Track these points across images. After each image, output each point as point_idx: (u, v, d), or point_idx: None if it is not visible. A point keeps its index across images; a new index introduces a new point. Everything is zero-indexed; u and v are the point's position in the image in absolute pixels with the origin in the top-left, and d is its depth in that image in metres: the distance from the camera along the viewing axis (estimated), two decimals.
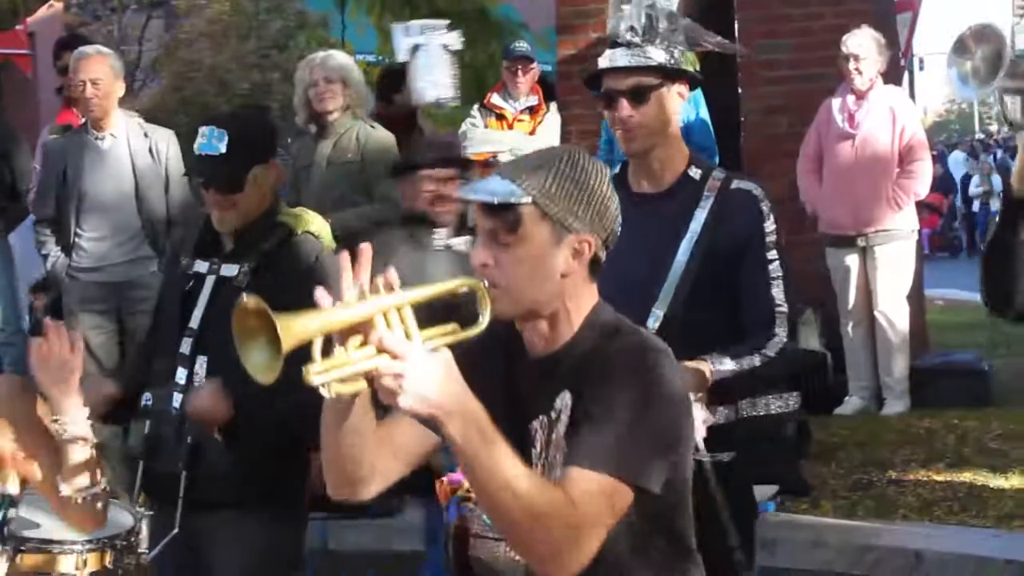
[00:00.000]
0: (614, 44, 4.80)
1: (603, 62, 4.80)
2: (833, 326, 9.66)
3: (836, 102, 9.36)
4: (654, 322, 4.56)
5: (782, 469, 7.60)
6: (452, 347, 2.95)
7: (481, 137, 10.03)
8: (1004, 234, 3.85)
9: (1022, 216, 3.80)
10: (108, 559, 4.92)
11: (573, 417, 3.12)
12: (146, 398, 5.15)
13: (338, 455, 3.18)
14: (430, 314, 3.00)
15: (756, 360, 4.59)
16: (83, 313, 8.35)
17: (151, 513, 5.08)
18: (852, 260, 9.51)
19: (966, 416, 8.67)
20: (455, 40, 9.46)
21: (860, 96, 9.21)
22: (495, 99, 10.70)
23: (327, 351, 2.83)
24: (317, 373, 2.80)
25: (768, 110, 9.96)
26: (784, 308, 4.66)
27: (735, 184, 4.74)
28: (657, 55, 4.73)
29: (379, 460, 3.24)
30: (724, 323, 4.67)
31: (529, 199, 3.14)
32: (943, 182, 19.50)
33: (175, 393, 5.03)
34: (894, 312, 9.38)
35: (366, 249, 2.90)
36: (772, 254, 4.69)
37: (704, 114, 9.27)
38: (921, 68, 24.53)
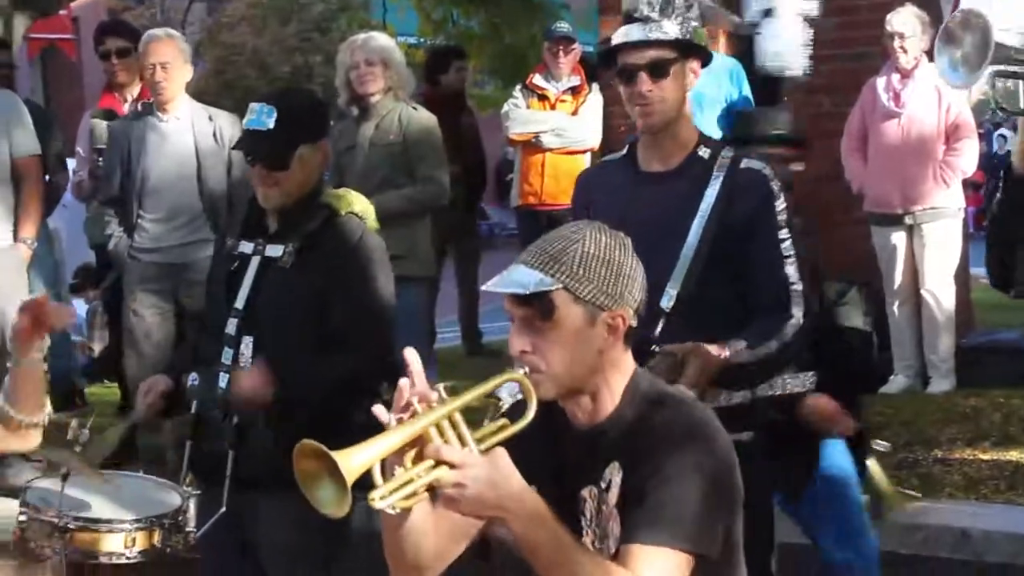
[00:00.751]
0: (629, 20, 4.80)
1: (618, 37, 4.79)
2: (879, 305, 9.63)
3: (881, 81, 9.33)
4: (667, 301, 4.58)
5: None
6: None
7: (524, 118, 10.05)
8: (1003, 211, 3.87)
9: (1019, 193, 3.82)
10: (156, 538, 4.98)
11: (624, 489, 3.16)
12: (192, 378, 5.17)
13: (400, 552, 3.21)
14: None
15: (773, 346, 4.60)
16: (141, 293, 8.44)
17: (198, 492, 5.12)
18: (899, 238, 9.48)
19: (1012, 395, 8.62)
20: (813, 7, 9.30)
21: (905, 75, 9.17)
22: (537, 80, 10.71)
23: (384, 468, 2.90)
24: (382, 497, 2.87)
25: (811, 89, 9.93)
26: (799, 286, 4.66)
27: (744, 163, 4.74)
28: (672, 30, 4.71)
29: (439, 545, 3.26)
30: (737, 302, 4.67)
31: (560, 285, 3.19)
32: (988, 160, 19.38)
33: (221, 373, 5.07)
34: (940, 290, 9.34)
35: (413, 360, 2.98)
36: (784, 233, 4.69)
37: (747, 92, 9.26)
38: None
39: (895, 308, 9.63)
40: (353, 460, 2.82)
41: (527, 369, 3.17)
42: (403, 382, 2.89)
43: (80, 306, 11.58)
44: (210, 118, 8.45)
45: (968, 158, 9.31)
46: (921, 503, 7.26)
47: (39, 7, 14.15)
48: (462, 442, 2.92)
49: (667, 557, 3.04)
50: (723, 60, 9.50)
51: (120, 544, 4.99)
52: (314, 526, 5.09)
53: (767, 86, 9.36)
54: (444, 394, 2.92)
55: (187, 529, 5.09)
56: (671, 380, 4.19)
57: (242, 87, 12.46)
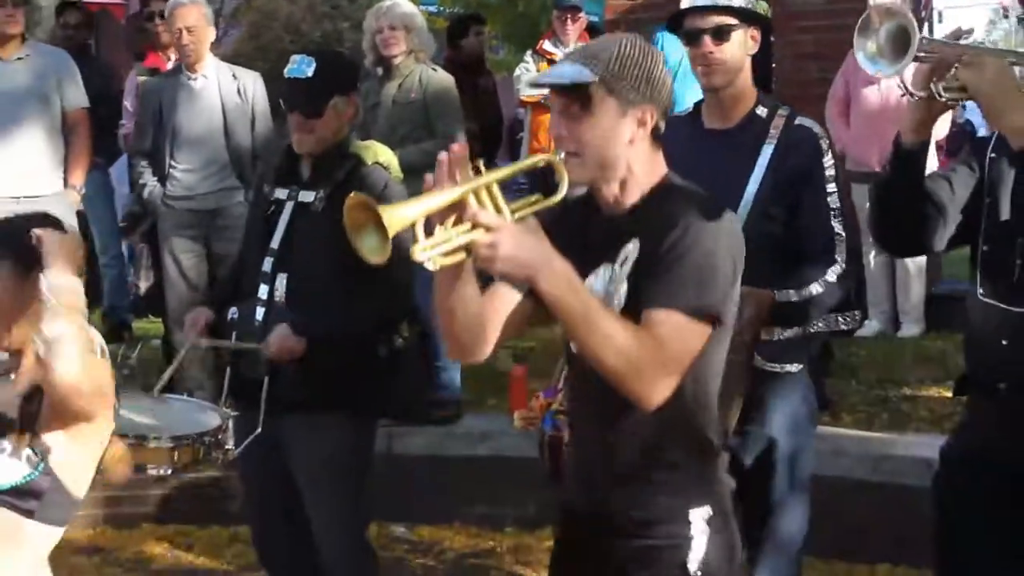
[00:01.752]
0: None
1: (686, 2, 4.81)
2: (856, 257, 9.66)
3: (860, 55, 9.34)
4: None
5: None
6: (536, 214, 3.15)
7: (534, 80, 10.06)
8: (895, 178, 3.91)
9: (909, 166, 3.87)
10: (200, 452, 5.07)
11: (639, 259, 3.26)
12: (232, 312, 5.26)
13: (452, 324, 3.30)
14: None
15: (817, 288, 4.60)
16: (175, 238, 8.49)
17: (236, 414, 5.21)
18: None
19: None
20: None
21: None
22: (546, 45, 10.73)
23: (429, 232, 2.97)
24: (422, 250, 2.96)
25: (799, 57, 9.97)
26: (843, 236, 4.66)
27: (798, 121, 4.76)
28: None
29: (489, 328, 3.37)
30: (788, 248, 4.68)
31: (596, 78, 3.28)
32: (960, 128, 19.28)
33: (258, 308, 5.16)
34: None
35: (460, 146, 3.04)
36: (831, 187, 4.70)
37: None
38: (940, 20, 24.19)
39: (871, 259, 9.64)
40: (396, 214, 2.91)
41: (563, 153, 3.28)
42: (443, 155, 2.96)
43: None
44: (234, 76, 8.52)
45: (940, 124, 9.33)
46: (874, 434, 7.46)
47: None
48: (497, 209, 3.01)
49: (683, 320, 3.15)
50: None
51: (167, 458, 5.09)
52: (341, 445, 5.22)
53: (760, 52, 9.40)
54: (483, 168, 3.04)
55: (227, 447, 5.19)
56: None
57: (276, 50, 12.38)
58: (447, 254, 3.00)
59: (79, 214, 9.07)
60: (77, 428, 3.30)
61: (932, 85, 3.72)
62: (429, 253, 2.97)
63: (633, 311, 3.17)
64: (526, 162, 3.43)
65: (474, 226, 2.97)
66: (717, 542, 3.37)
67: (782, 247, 4.66)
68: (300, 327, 5.03)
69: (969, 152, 4.01)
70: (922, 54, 3.72)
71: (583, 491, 3.52)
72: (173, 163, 8.45)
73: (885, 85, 9.19)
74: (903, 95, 3.97)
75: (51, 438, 3.29)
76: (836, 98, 9.58)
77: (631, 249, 3.31)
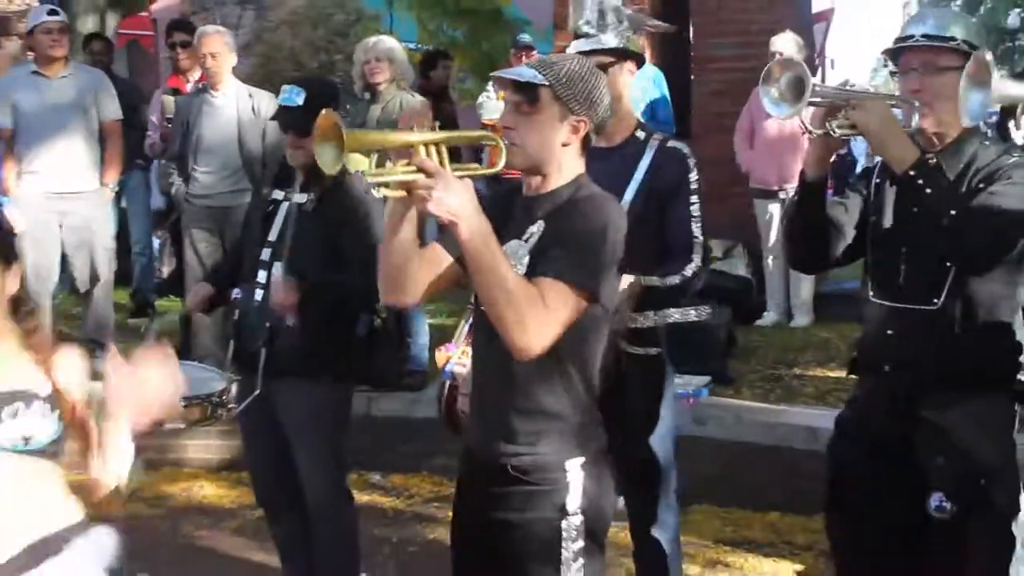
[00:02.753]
0: (576, 36, 4.89)
1: (570, 49, 4.80)
2: (757, 259, 9.70)
3: (763, 89, 9.37)
4: None
5: (714, 364, 7.70)
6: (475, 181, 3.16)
7: (493, 107, 10.03)
8: (802, 207, 3.94)
9: (813, 195, 3.88)
10: (208, 410, 5.05)
11: (541, 240, 3.28)
12: (235, 292, 5.26)
13: (390, 266, 3.37)
14: None
15: (676, 279, 4.62)
16: (195, 229, 8.47)
17: (238, 379, 5.20)
18: (774, 208, 9.49)
19: (854, 329, 8.57)
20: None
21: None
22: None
23: (381, 165, 3.09)
24: (371, 175, 3.04)
25: (714, 94, 9.98)
26: (700, 240, 4.68)
27: (670, 144, 4.76)
28: (611, 40, 4.77)
29: (418, 276, 3.41)
30: (655, 247, 4.68)
31: (548, 83, 3.31)
32: (841, 157, 19.32)
33: (257, 289, 5.13)
34: None
35: (424, 110, 3.19)
36: (694, 198, 4.70)
37: (665, 94, 9.29)
38: (832, 67, 24.34)
39: (769, 261, 9.66)
40: (356, 136, 3.03)
41: (507, 141, 3.33)
42: (408, 111, 3.07)
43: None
44: (250, 95, 8.45)
45: None
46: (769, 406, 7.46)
47: (126, 8, 14.07)
48: (441, 163, 3.04)
49: (566, 290, 3.16)
50: (648, 67, 9.56)
51: (179, 415, 5.06)
52: (325, 406, 5.21)
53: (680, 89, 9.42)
54: (438, 129, 3.11)
55: (229, 406, 5.17)
56: None
57: (281, 78, 12.32)
58: (390, 186, 3.06)
59: (119, 208, 9.08)
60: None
61: (827, 124, 3.71)
62: (375, 179, 3.04)
63: (529, 280, 3.17)
64: (474, 134, 3.56)
65: (419, 170, 3.01)
66: (591, 487, 3.36)
67: (652, 245, 4.65)
68: (298, 286, 5.01)
69: (858, 180, 4.03)
70: (817, 99, 3.72)
71: (479, 439, 3.50)
72: (195, 167, 8.40)
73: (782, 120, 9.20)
74: (803, 133, 4.01)
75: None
76: (742, 129, 9.57)
77: (535, 230, 3.34)
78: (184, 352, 7.67)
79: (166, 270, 11.08)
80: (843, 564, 4.08)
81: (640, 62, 4.98)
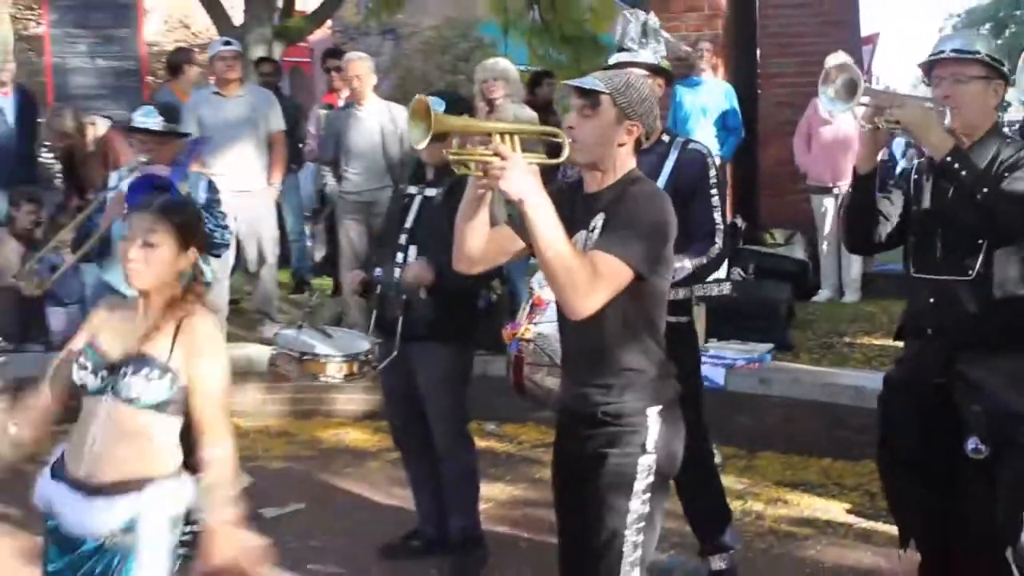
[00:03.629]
0: (619, 49, 4.87)
1: (612, 60, 4.85)
2: (813, 245, 9.62)
3: (822, 99, 9.28)
4: None
5: (776, 334, 7.66)
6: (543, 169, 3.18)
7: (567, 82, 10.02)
8: (855, 199, 3.94)
9: (865, 185, 3.87)
10: (355, 367, 5.12)
11: (603, 229, 3.27)
12: (377, 272, 5.31)
13: (463, 241, 3.42)
14: None
15: (703, 260, 4.62)
16: (347, 220, 8.61)
17: (379, 342, 5.25)
18: (828, 202, 9.41)
19: (896, 304, 8.46)
20: None
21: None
22: None
23: (462, 147, 3.14)
24: (453, 153, 3.09)
25: (777, 105, 9.90)
26: (721, 226, 4.68)
27: (691, 145, 4.75)
28: (647, 57, 4.78)
29: (487, 251, 3.45)
30: (682, 233, 4.67)
31: (608, 91, 3.32)
32: (883, 162, 19.03)
33: (396, 268, 5.18)
34: None
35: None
36: (714, 191, 4.68)
37: (735, 105, 9.24)
38: (878, 82, 23.88)
39: (823, 247, 9.57)
40: (444, 120, 3.05)
41: (571, 140, 3.32)
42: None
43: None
44: (389, 109, 8.55)
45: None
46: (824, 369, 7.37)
47: (289, 39, 14.21)
48: (513, 149, 3.05)
49: (614, 262, 3.16)
50: (721, 83, 9.52)
51: (336, 370, 5.15)
52: (451, 365, 5.25)
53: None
54: (512, 121, 3.18)
55: (373, 364, 5.24)
56: None
57: (414, 95, 12.45)
58: (468, 165, 3.11)
59: (277, 206, 9.21)
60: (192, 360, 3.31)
61: (876, 119, 3.72)
62: (457, 157, 3.09)
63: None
64: (542, 128, 3.53)
65: (494, 154, 3.03)
66: (666, 431, 3.38)
67: (679, 231, 4.64)
68: (430, 265, 5.05)
69: (899, 178, 4.01)
70: (865, 98, 3.76)
71: (572, 393, 3.52)
72: (346, 168, 8.54)
73: (835, 124, 9.11)
74: (859, 127, 4.03)
75: (177, 366, 3.29)
76: (801, 133, 9.50)
77: (598, 221, 3.34)
78: (336, 321, 7.81)
79: (318, 254, 11.20)
80: (893, 498, 4.07)
81: (669, 80, 4.97)
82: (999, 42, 5.46)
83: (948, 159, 3.56)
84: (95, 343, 3.38)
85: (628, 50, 4.83)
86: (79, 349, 3.41)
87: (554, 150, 3.40)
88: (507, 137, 3.08)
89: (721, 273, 5.10)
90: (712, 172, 4.72)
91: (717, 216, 4.68)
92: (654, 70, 4.77)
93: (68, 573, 3.30)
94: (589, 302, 3.13)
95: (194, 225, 3.52)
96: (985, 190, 3.50)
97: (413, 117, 3.05)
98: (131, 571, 3.25)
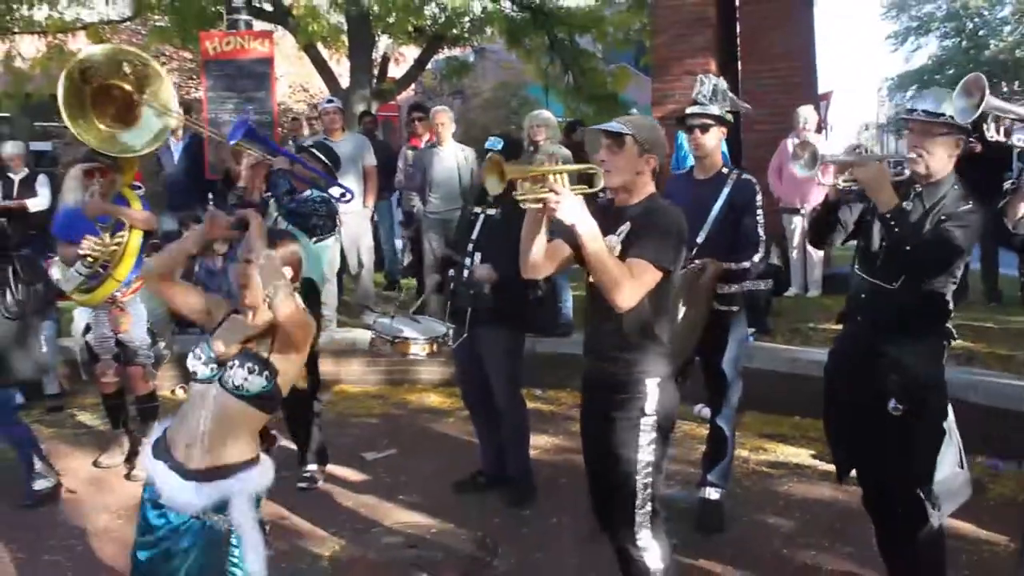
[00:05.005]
0: (693, 102, 4.85)
1: (688, 110, 4.84)
2: (785, 253, 9.50)
3: (789, 141, 9.11)
4: (703, 237, 4.63)
5: (758, 321, 7.57)
6: (585, 196, 3.20)
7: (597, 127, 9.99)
8: (823, 213, 3.89)
9: (832, 209, 3.85)
10: (435, 346, 5.10)
11: (628, 236, 3.26)
12: (451, 272, 5.31)
13: (528, 255, 3.39)
14: None
15: (747, 264, 4.59)
16: (429, 233, 8.55)
17: (453, 327, 5.22)
18: (796, 220, 9.24)
19: None
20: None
21: (802, 138, 8.96)
22: None
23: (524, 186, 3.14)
24: (519, 195, 3.13)
25: (756, 146, 9.79)
26: (763, 239, 4.64)
27: (743, 176, 4.71)
28: (715, 110, 4.73)
29: (545, 260, 3.42)
30: (731, 242, 4.65)
31: (630, 133, 3.34)
32: None
33: (465, 270, 5.16)
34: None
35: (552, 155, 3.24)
36: (759, 211, 4.65)
37: (724, 149, 9.16)
38: (832, 130, 23.75)
39: (793, 254, 9.39)
40: (511, 170, 3.11)
41: (604, 170, 3.35)
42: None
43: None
44: (462, 149, 8.51)
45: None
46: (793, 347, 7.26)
47: (383, 98, 14.26)
48: (563, 185, 3.08)
49: (646, 265, 3.18)
50: None
51: (418, 348, 5.12)
52: (509, 344, 5.23)
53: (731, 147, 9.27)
54: (561, 162, 3.18)
55: (448, 343, 5.22)
56: (700, 275, 4.50)
57: (476, 140, 12.51)
58: (531, 201, 3.12)
59: (372, 222, 9.23)
60: (290, 356, 3.11)
61: (836, 177, 3.72)
62: (522, 196, 3.12)
63: (621, 258, 3.21)
64: (583, 166, 3.52)
65: (550, 190, 3.06)
66: (663, 397, 3.35)
67: (730, 241, 4.63)
68: (493, 268, 5.05)
69: (863, 195, 3.94)
70: (828, 161, 3.75)
71: (591, 365, 3.50)
72: (430, 194, 8.49)
73: None
74: (817, 182, 4.07)
75: (276, 361, 3.09)
76: (774, 168, 9.33)
77: (625, 228, 3.32)
78: (419, 311, 7.78)
79: (406, 260, 11.22)
80: (832, 441, 4.05)
81: (729, 127, 4.94)
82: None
83: (888, 215, 3.52)
84: (210, 340, 3.18)
85: (700, 103, 4.80)
86: (199, 340, 3.21)
87: (585, 180, 3.39)
88: (558, 176, 3.09)
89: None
90: (759, 197, 4.70)
91: (760, 231, 4.67)
92: (718, 120, 4.76)
93: (157, 543, 3.05)
94: (629, 299, 3.15)
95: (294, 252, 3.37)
96: (907, 248, 3.47)
97: (488, 171, 3.12)
98: (235, 547, 3.02)
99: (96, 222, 5.55)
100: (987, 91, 3.33)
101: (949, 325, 3.71)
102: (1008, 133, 3.67)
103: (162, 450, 3.10)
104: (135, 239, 5.57)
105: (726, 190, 4.68)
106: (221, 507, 3.00)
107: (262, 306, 3.13)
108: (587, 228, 3.06)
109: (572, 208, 3.05)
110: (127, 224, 5.57)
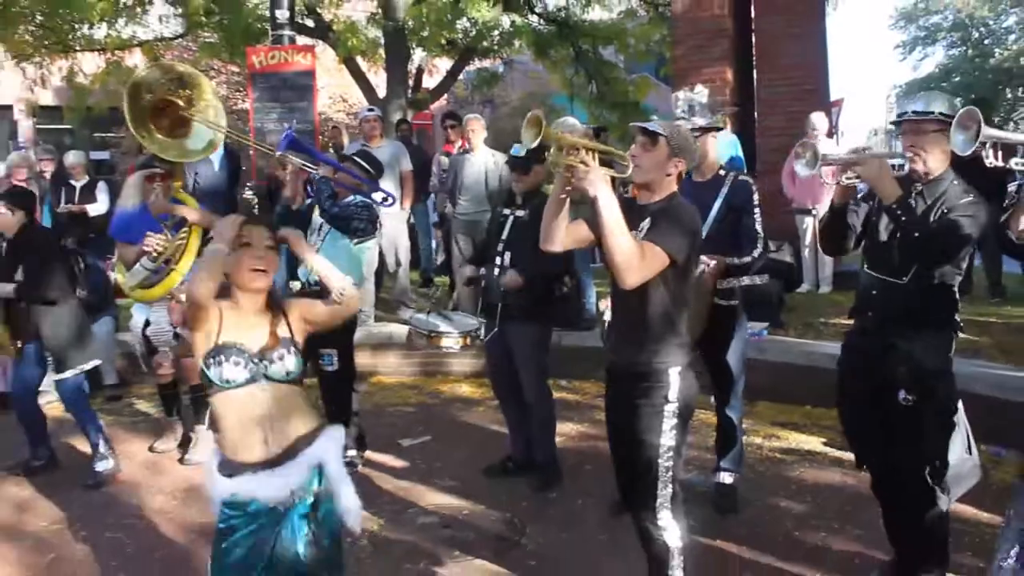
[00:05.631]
0: (676, 119, 4.85)
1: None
2: (797, 252, 9.44)
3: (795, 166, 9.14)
4: (703, 235, 4.63)
5: (771, 315, 7.54)
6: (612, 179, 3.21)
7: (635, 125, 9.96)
8: (831, 220, 3.86)
9: (840, 213, 3.83)
10: (468, 340, 5.10)
11: (649, 230, 3.27)
12: (482, 271, 5.31)
13: (549, 230, 3.39)
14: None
15: (746, 259, 4.60)
16: (459, 234, 8.55)
17: (484, 321, 5.22)
18: (808, 220, 9.17)
19: None
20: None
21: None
22: None
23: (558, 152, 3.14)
24: (551, 159, 3.13)
25: (770, 150, 9.73)
26: (761, 235, 4.64)
27: (740, 177, 4.72)
28: (698, 122, 4.71)
29: (566, 237, 3.43)
30: (732, 240, 4.65)
31: (665, 133, 3.36)
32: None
33: (495, 268, 5.16)
34: None
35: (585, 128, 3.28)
36: (756, 210, 4.66)
37: (740, 152, 9.09)
38: (843, 135, 23.57)
39: (805, 253, 9.33)
40: (548, 130, 3.07)
41: (635, 165, 3.36)
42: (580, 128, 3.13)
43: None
44: (492, 154, 8.49)
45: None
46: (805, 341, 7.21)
47: (418, 107, 14.31)
48: (593, 159, 3.10)
49: (656, 249, 3.19)
50: (730, 135, 9.36)
51: (451, 341, 5.14)
52: (536, 338, 5.23)
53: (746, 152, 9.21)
54: (591, 137, 3.24)
55: (480, 337, 5.22)
56: (702, 271, 4.42)
57: (504, 146, 12.54)
58: (560, 168, 3.13)
59: (408, 224, 9.26)
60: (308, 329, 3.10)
61: (841, 175, 3.70)
62: (552, 160, 3.13)
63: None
64: (615, 150, 3.50)
65: (579, 161, 3.07)
66: (684, 385, 3.35)
67: (730, 239, 4.62)
68: (520, 271, 5.05)
69: (866, 197, 3.91)
70: (830, 161, 3.77)
71: (618, 354, 3.50)
72: (460, 197, 8.49)
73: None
74: (821, 183, 4.10)
75: (299, 341, 3.05)
76: (787, 172, 9.24)
77: (646, 223, 3.32)
78: (453, 307, 7.80)
79: (439, 259, 11.26)
80: (847, 430, 4.02)
81: (719, 129, 4.92)
82: (955, 98, 5.30)
83: (894, 206, 3.50)
84: (227, 342, 2.94)
85: (684, 118, 4.79)
86: (213, 351, 2.94)
87: (611, 166, 3.40)
88: (589, 152, 3.11)
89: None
90: (755, 196, 4.69)
91: (759, 228, 4.66)
92: (705, 129, 4.75)
93: (254, 548, 2.90)
94: (636, 277, 3.15)
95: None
96: (916, 235, 3.44)
97: (527, 126, 3.11)
98: (335, 510, 3.00)
99: (160, 221, 5.66)
100: (982, 122, 3.33)
101: (957, 317, 3.68)
102: (1007, 157, 3.66)
103: (234, 466, 2.93)
104: (196, 235, 5.66)
105: (724, 190, 4.68)
106: (309, 482, 2.95)
107: (267, 287, 3.05)
108: (607, 199, 3.09)
109: (598, 180, 3.08)
110: (188, 222, 5.66)
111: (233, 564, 2.89)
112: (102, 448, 5.69)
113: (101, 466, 5.65)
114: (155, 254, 5.57)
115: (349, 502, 3.01)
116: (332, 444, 3.01)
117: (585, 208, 3.25)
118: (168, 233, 5.63)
